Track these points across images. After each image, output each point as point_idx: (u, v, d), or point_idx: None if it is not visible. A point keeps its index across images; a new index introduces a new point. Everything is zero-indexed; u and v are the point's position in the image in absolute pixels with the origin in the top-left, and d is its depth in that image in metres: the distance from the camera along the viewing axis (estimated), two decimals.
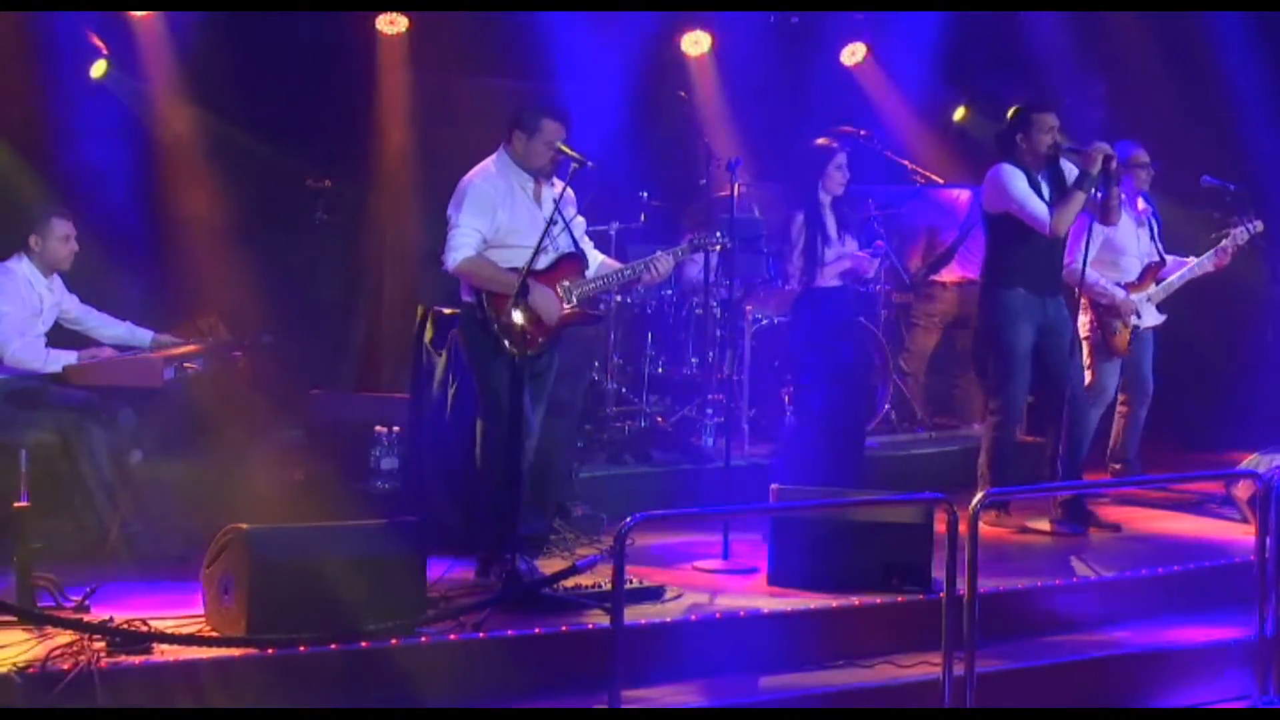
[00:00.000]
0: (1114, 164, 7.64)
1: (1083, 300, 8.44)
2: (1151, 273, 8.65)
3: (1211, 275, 8.79)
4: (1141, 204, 8.75)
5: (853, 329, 8.16)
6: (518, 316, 6.32)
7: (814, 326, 7.92)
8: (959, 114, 11.47)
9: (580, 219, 6.86)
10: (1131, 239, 8.66)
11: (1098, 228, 8.13)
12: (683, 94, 10.58)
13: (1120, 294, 8.49)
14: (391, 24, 9.69)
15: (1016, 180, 7.75)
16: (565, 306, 6.61)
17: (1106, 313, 8.52)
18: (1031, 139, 7.77)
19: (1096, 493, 8.46)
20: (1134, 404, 8.90)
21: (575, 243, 6.69)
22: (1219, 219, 8.94)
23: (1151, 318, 8.66)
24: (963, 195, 10.57)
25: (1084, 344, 8.66)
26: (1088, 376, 8.66)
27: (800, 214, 7.88)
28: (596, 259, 6.90)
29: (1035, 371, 7.95)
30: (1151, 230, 8.76)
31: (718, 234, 7.17)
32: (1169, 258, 8.76)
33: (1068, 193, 7.69)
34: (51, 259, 7.28)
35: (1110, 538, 7.89)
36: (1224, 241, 8.67)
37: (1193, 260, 8.72)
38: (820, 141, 7.98)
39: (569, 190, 6.62)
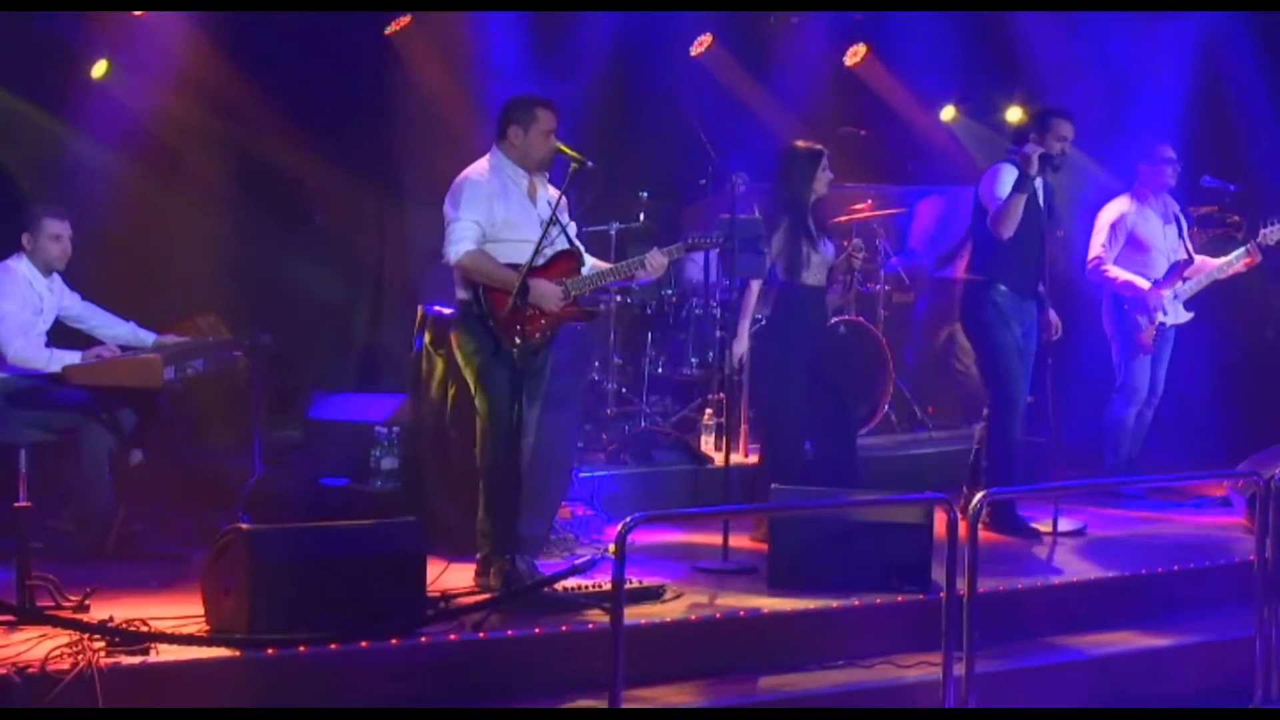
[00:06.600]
0: (1034, 170, 7.57)
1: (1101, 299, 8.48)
2: (1178, 270, 8.65)
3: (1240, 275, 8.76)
4: (1170, 201, 8.77)
5: (831, 329, 8.00)
6: (516, 314, 6.32)
7: (794, 325, 7.78)
8: (949, 114, 11.44)
9: (572, 222, 6.85)
10: (1159, 235, 8.67)
11: (1124, 223, 8.22)
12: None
13: (1145, 283, 8.51)
14: (395, 25, 9.69)
15: (1009, 181, 7.65)
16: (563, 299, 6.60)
17: (1131, 308, 8.53)
18: (1045, 142, 7.67)
19: (1084, 492, 8.49)
20: (1141, 404, 8.89)
21: (570, 240, 6.69)
22: (1226, 215, 8.95)
23: (1178, 315, 8.66)
24: (966, 196, 10.55)
25: (1110, 342, 8.68)
26: (1119, 375, 8.67)
27: (785, 216, 7.75)
28: (588, 260, 6.89)
29: None
30: (1179, 228, 8.75)
31: (714, 234, 7.15)
32: (1198, 257, 8.74)
33: (1009, 195, 7.57)
34: (44, 258, 7.21)
35: (1110, 537, 7.89)
36: (1254, 241, 8.61)
37: (1222, 259, 8.70)
38: (803, 144, 7.83)
39: (564, 198, 6.62)
